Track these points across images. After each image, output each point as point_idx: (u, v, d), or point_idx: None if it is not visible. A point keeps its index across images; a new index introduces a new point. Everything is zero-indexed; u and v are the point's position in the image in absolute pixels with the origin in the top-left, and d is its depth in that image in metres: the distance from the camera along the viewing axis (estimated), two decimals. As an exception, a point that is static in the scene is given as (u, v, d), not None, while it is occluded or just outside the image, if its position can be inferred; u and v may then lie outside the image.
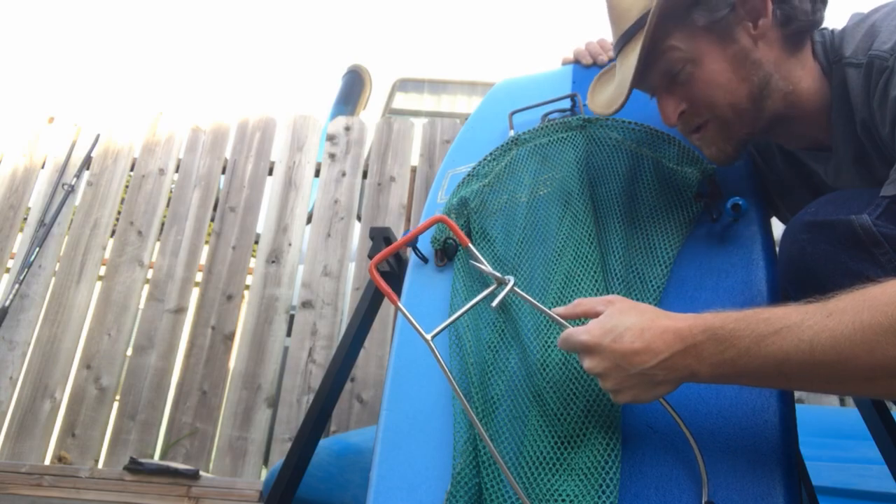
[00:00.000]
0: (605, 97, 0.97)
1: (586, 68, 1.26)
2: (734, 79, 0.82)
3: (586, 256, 0.86)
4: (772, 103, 0.84)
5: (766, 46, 0.83)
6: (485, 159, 1.12)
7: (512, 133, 1.15)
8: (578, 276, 0.84)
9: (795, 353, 0.59)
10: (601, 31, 1.15)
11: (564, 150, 1.04)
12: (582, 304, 0.73)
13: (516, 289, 0.78)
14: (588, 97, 1.03)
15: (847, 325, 0.57)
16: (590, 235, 0.88)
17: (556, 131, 1.08)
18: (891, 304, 0.56)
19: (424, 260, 1.04)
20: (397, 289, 1.15)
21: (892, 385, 0.58)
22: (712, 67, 0.82)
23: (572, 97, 1.17)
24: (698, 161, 0.93)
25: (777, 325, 0.61)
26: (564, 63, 1.31)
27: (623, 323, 0.66)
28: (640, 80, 0.86)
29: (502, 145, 1.12)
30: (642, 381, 0.66)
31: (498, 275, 0.80)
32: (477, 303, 0.77)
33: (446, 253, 1.02)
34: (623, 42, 0.89)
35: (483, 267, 0.81)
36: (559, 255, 0.88)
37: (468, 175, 1.11)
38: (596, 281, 0.83)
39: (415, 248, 1.04)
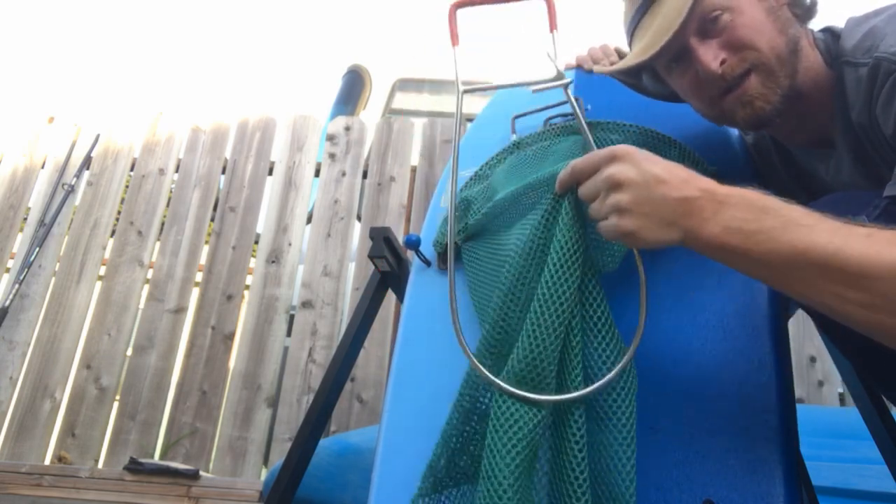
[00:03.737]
0: (641, 45, 0.89)
1: (589, 73, 1.26)
2: (773, 29, 0.83)
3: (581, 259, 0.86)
4: (801, 67, 0.84)
5: (789, 13, 0.85)
6: (487, 163, 1.12)
7: (514, 137, 1.15)
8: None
9: (820, 249, 0.57)
10: (602, 37, 1.15)
11: (566, 152, 1.04)
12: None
13: (568, 91, 0.79)
14: (614, 65, 0.99)
15: (884, 249, 0.56)
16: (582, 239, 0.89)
17: (558, 135, 1.08)
18: None
19: (427, 263, 1.04)
20: (399, 290, 1.15)
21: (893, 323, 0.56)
22: (752, 14, 0.83)
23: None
24: (699, 163, 0.94)
25: (812, 221, 0.59)
26: (567, 68, 1.31)
27: (655, 156, 0.66)
28: (683, 24, 0.82)
29: (504, 149, 1.12)
30: (658, 213, 0.63)
31: (560, 69, 0.80)
32: (527, 84, 0.80)
33: (448, 254, 1.02)
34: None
35: (553, 59, 0.82)
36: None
37: (471, 178, 1.11)
38: (594, 280, 0.83)
39: (417, 251, 1.04)
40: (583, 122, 0.78)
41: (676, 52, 0.86)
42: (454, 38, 0.86)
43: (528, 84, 0.81)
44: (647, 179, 0.64)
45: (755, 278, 0.65)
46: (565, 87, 0.79)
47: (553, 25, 0.82)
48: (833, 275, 0.57)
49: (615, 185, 0.65)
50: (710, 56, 0.82)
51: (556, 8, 0.87)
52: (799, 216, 0.60)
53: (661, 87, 0.99)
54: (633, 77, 1.02)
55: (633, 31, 0.93)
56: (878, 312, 0.56)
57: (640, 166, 0.65)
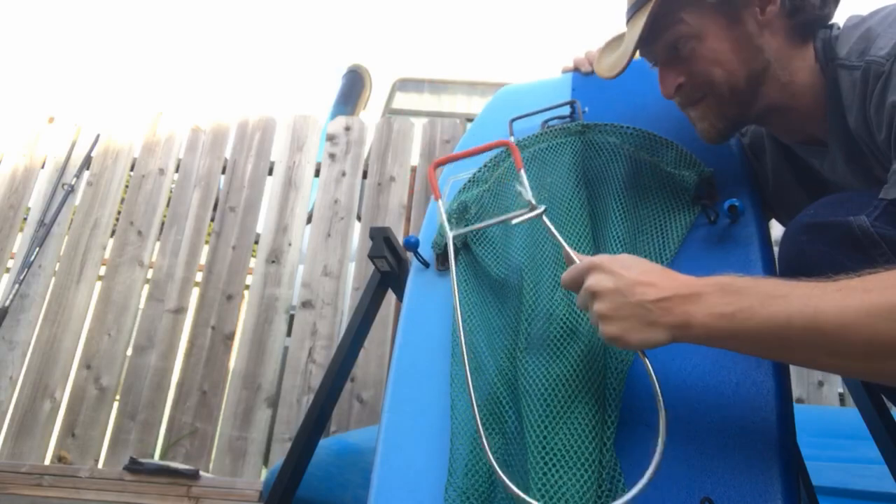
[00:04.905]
0: (609, 61, 1.00)
1: (586, 76, 1.27)
2: (734, 60, 0.85)
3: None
4: (767, 91, 0.86)
5: (771, 34, 0.85)
6: (485, 165, 1.13)
7: (512, 139, 1.15)
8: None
9: (799, 318, 0.59)
10: (601, 38, 1.16)
11: (563, 154, 1.04)
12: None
13: (545, 218, 0.83)
14: (595, 63, 1.09)
15: (856, 299, 0.58)
16: (587, 238, 0.89)
17: (555, 137, 1.09)
18: None
19: (426, 264, 1.05)
20: (399, 290, 1.15)
21: (889, 366, 0.58)
22: (715, 46, 0.85)
23: (571, 104, 1.18)
24: (696, 164, 0.94)
25: (785, 291, 0.61)
26: (564, 71, 1.32)
27: (632, 260, 0.70)
28: (645, 48, 0.89)
29: (502, 151, 1.13)
30: (637, 316, 0.65)
31: (533, 201, 0.85)
32: (507, 220, 0.85)
33: (447, 257, 1.02)
34: (634, 10, 0.91)
35: (524, 191, 0.86)
36: (556, 260, 0.89)
37: (469, 181, 1.11)
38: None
39: (416, 253, 1.04)
40: (556, 234, 0.82)
41: (652, 59, 0.93)
42: (436, 193, 0.97)
43: (508, 219, 0.87)
44: (620, 286, 0.67)
45: (753, 356, 0.68)
46: (540, 215, 0.84)
47: (519, 165, 0.91)
48: (817, 338, 0.59)
49: (594, 296, 0.68)
50: (670, 81, 0.89)
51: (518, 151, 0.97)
52: (772, 289, 0.62)
53: None
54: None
55: (627, 22, 0.96)
56: (870, 360, 0.58)
57: (615, 274, 0.68)
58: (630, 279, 0.66)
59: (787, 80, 0.86)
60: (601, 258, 0.70)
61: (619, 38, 1.04)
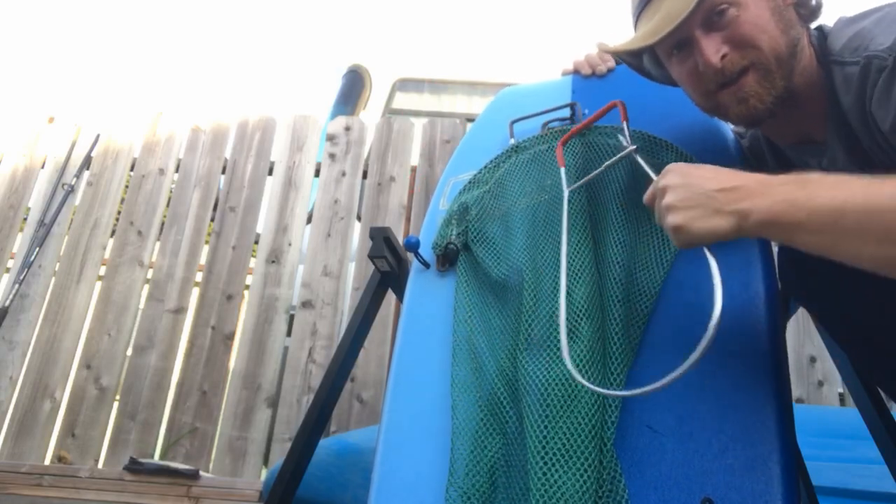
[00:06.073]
0: (647, 29, 0.90)
1: (585, 79, 1.27)
2: (776, 27, 0.84)
3: (581, 264, 0.86)
4: (799, 65, 0.85)
5: (793, 10, 0.86)
6: (485, 167, 1.13)
7: (512, 141, 1.16)
8: (572, 284, 0.85)
9: (856, 200, 0.60)
10: (602, 39, 1.16)
11: (564, 156, 1.04)
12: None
13: (637, 157, 0.87)
14: (621, 45, 0.99)
15: None
16: (586, 241, 0.89)
17: (556, 138, 1.09)
18: None
19: (426, 265, 1.05)
20: (399, 290, 1.15)
21: None
22: (757, 12, 0.84)
23: (572, 106, 1.18)
24: (696, 166, 0.94)
25: (846, 180, 0.63)
26: (564, 74, 1.32)
27: (706, 166, 0.73)
28: (691, 14, 0.82)
29: (503, 153, 1.13)
30: (702, 205, 0.68)
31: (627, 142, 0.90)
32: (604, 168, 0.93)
33: (447, 258, 1.02)
34: None
35: (623, 138, 0.95)
36: (557, 261, 0.89)
37: (469, 182, 1.12)
38: (591, 286, 0.84)
39: (416, 253, 1.04)
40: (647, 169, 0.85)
41: (679, 40, 0.87)
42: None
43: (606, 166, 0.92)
44: (687, 181, 0.71)
45: (811, 250, 0.66)
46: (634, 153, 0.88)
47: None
48: (872, 220, 0.60)
49: (662, 192, 0.73)
50: (713, 49, 0.83)
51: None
52: (834, 180, 0.64)
53: (661, 71, 1.00)
54: (634, 58, 1.03)
55: (639, 14, 0.93)
56: None
57: (682, 171, 0.73)
58: (699, 175, 0.70)
59: (805, 64, 0.86)
60: (674, 163, 0.75)
61: (647, 13, 0.93)
